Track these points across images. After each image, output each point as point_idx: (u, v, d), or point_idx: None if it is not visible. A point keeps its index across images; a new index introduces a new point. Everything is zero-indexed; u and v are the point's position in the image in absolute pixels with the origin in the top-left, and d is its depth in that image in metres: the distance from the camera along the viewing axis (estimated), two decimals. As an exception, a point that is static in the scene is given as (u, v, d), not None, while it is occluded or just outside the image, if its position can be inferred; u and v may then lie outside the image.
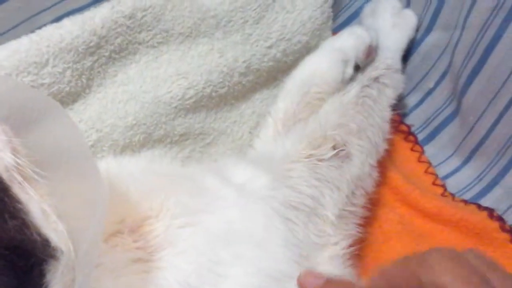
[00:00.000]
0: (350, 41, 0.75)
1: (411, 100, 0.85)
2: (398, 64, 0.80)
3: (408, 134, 0.84)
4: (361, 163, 0.68)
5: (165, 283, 0.53)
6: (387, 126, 0.74)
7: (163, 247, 0.55)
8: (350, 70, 0.74)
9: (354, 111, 0.71)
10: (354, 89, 0.73)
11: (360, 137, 0.69)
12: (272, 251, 0.58)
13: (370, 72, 0.76)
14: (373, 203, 0.71)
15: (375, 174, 0.70)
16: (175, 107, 0.71)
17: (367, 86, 0.74)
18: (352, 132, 0.68)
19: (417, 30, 0.84)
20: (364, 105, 0.72)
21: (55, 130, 0.52)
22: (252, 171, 0.63)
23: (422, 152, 0.83)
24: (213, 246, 0.56)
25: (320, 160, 0.65)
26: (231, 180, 0.62)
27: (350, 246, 0.64)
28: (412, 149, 0.83)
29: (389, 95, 0.76)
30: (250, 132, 0.77)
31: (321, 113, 0.71)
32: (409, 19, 0.82)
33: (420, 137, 0.84)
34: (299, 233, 0.60)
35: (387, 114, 0.74)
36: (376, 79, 0.76)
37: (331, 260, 0.61)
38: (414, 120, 0.84)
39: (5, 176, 0.47)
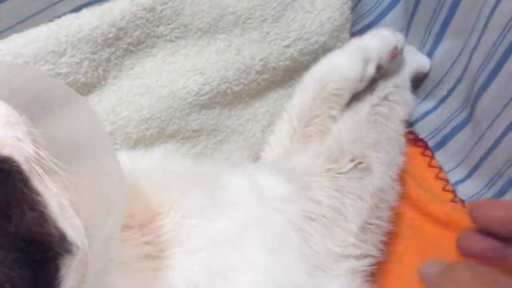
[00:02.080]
0: (374, 40, 0.75)
1: (423, 108, 0.85)
2: (406, 82, 0.80)
3: (417, 141, 0.84)
4: (381, 175, 0.67)
5: (174, 282, 0.53)
6: (402, 140, 0.74)
7: (173, 245, 0.55)
8: (371, 69, 0.74)
9: (367, 127, 0.71)
10: (364, 108, 0.74)
11: (378, 150, 0.68)
12: (284, 261, 0.57)
13: (379, 91, 0.76)
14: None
15: (397, 187, 0.70)
16: (190, 103, 0.70)
17: (377, 105, 0.75)
18: (369, 146, 0.68)
19: (426, 41, 0.84)
20: (376, 122, 0.72)
21: (74, 121, 0.51)
22: (273, 178, 0.62)
23: (433, 157, 0.82)
24: (225, 249, 0.56)
25: (340, 173, 0.64)
26: (251, 185, 0.61)
27: (372, 265, 0.63)
28: (422, 154, 0.83)
29: (401, 112, 0.76)
30: (262, 131, 0.77)
31: (335, 130, 0.71)
32: (422, 58, 0.83)
33: (431, 144, 0.84)
34: (316, 244, 0.59)
35: (401, 129, 0.75)
36: (385, 97, 0.76)
37: (350, 273, 0.60)
38: (425, 127, 0.84)
39: (25, 168, 0.46)
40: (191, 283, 0.53)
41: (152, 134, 0.69)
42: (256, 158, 0.76)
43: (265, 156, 0.74)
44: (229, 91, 0.73)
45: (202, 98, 0.71)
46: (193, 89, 0.70)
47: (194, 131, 0.72)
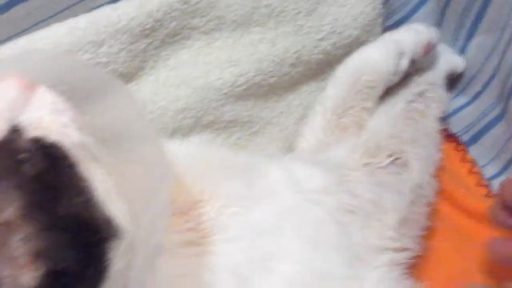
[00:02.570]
0: (408, 34, 0.75)
1: (456, 104, 0.85)
2: (441, 80, 0.80)
3: (450, 136, 0.84)
4: (419, 171, 0.67)
5: (216, 269, 0.53)
6: (438, 137, 0.74)
7: (214, 232, 0.55)
8: (405, 63, 0.74)
9: (403, 123, 0.71)
10: (400, 104, 0.74)
11: (415, 146, 0.68)
12: (322, 252, 0.57)
13: (414, 87, 0.76)
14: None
15: (435, 184, 0.70)
16: (225, 94, 0.71)
17: (413, 101, 0.75)
18: (406, 142, 0.68)
19: (458, 36, 0.83)
20: (412, 119, 0.73)
21: (117, 109, 0.52)
22: (309, 170, 0.63)
23: (466, 152, 0.82)
24: (264, 239, 0.56)
25: (378, 168, 0.65)
26: (287, 176, 0.62)
27: (410, 258, 0.63)
28: (456, 149, 0.82)
29: (435, 110, 0.76)
30: (295, 124, 0.77)
31: (371, 125, 0.72)
32: (457, 58, 0.83)
33: (464, 139, 0.83)
34: (354, 236, 0.59)
35: (437, 126, 0.75)
36: (420, 94, 0.76)
37: (388, 266, 0.60)
38: (458, 122, 0.84)
39: (71, 153, 0.47)
40: (233, 270, 0.53)
41: (188, 124, 0.69)
42: (289, 150, 0.76)
43: (299, 148, 0.75)
44: (263, 83, 0.73)
45: (237, 89, 0.71)
46: (228, 80, 0.70)
47: (229, 122, 0.73)
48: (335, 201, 0.60)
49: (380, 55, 0.73)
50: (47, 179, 0.45)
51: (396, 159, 0.66)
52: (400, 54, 0.74)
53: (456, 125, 0.84)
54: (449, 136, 0.83)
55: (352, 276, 0.57)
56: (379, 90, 0.73)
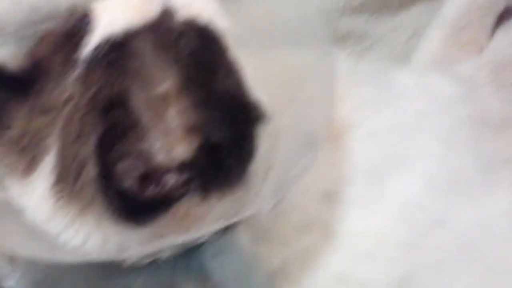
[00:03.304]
0: None
1: None
2: None
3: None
4: None
5: (351, 164, 0.54)
6: None
7: (348, 129, 0.55)
8: None
9: None
10: None
11: None
12: (458, 153, 0.57)
13: None
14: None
15: None
16: (343, 6, 0.71)
17: None
18: None
19: None
20: None
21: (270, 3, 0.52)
22: (441, 78, 0.62)
23: None
24: (400, 137, 0.56)
25: (505, 85, 0.64)
26: (419, 81, 0.62)
27: None
28: None
29: None
30: (406, 42, 0.76)
31: (493, 46, 0.70)
32: None
33: None
34: (486, 146, 0.59)
35: None
36: None
37: None
38: None
39: (222, 37, 0.47)
40: (368, 166, 0.54)
41: (304, 35, 0.69)
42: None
43: (414, 63, 0.74)
44: (379, -4, 0.72)
45: (354, 2, 0.71)
46: (346, -8, 0.70)
47: (343, 34, 0.72)
48: (466, 110, 0.60)
49: None
50: (202, 57, 0.46)
51: None
52: None
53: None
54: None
55: (486, 182, 0.56)
56: (499, 7, 0.72)
